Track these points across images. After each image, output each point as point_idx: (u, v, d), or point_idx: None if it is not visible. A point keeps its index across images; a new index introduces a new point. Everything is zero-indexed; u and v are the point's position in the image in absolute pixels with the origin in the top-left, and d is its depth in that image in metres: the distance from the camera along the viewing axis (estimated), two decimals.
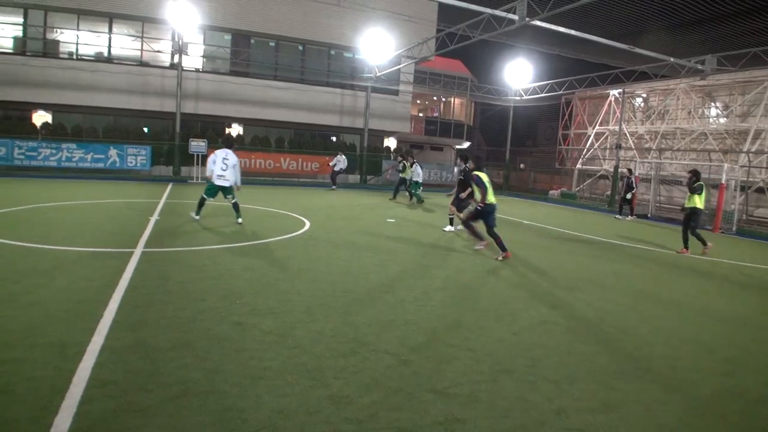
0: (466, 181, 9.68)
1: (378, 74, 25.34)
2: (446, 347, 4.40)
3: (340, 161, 22.07)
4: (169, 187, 17.61)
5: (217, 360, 3.80)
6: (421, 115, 39.29)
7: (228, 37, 24.83)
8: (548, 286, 6.98)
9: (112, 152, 20.33)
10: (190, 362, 3.73)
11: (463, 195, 10.20)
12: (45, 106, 22.36)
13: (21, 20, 22.02)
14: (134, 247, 7.43)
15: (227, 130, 25.09)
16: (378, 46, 22.99)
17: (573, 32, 17.08)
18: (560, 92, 26.29)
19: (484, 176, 8.60)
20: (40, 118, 22.30)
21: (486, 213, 8.55)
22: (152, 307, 4.84)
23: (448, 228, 11.34)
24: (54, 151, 19.58)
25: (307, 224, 10.86)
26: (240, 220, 10.14)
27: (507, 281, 7.10)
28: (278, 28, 24.71)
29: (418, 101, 38.22)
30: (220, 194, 10.04)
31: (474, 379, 3.82)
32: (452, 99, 38.21)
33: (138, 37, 23.40)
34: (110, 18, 22.79)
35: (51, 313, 4.59)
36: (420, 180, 17.61)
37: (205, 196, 10.00)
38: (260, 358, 3.88)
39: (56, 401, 3.10)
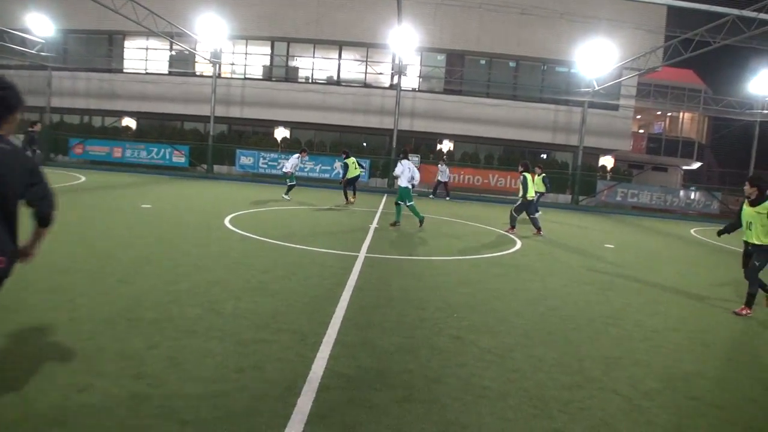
0: None
1: (596, 88, 23.77)
2: (686, 399, 3.77)
3: (443, 171, 21.23)
4: (384, 197, 18.86)
5: (439, 371, 3.82)
6: (642, 131, 35.79)
7: (442, 57, 25.80)
8: None
9: (337, 164, 22.65)
10: (413, 368, 3.81)
11: None
12: (285, 124, 25.93)
13: (269, 51, 25.98)
14: (358, 251, 8.04)
15: (438, 147, 26.01)
16: (597, 59, 21.56)
17: None
18: None
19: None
20: (280, 133, 25.91)
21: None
22: (377, 310, 5.13)
23: None
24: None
25: (518, 243, 10.55)
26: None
27: (765, 325, 5.92)
28: (491, 46, 24.87)
29: (639, 116, 34.86)
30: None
31: None
32: (680, 114, 34.01)
33: (363, 61, 25.73)
34: (340, 46, 25.53)
35: (292, 303, 5.15)
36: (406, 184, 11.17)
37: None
38: (481, 376, 3.78)
39: (299, 384, 3.42)
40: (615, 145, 26.35)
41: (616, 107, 25.63)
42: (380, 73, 25.78)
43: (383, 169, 24.14)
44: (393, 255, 8.09)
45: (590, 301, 6.36)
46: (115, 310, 4.59)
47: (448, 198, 21.35)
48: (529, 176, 11.60)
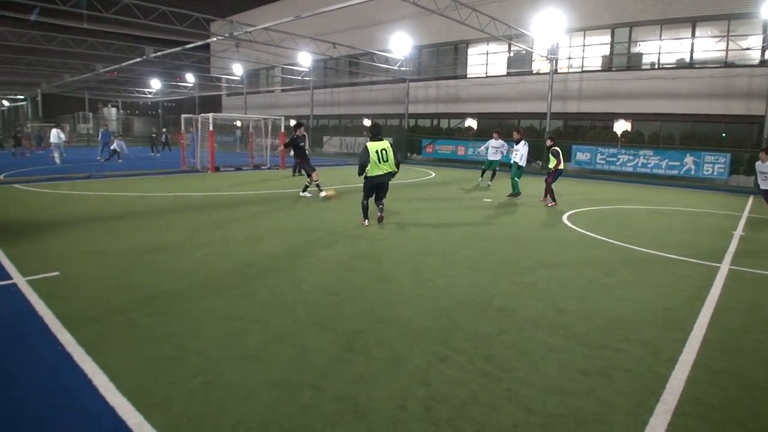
0: None
1: None
2: None
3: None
4: (750, 199, 15.60)
5: None
6: None
7: None
8: None
9: (688, 159, 19.87)
10: None
11: None
12: (625, 116, 24.08)
13: (608, 40, 24.44)
14: (719, 261, 6.91)
15: None
16: None
17: None
18: None
19: None
20: (620, 126, 24.21)
21: None
22: (747, 335, 4.34)
23: None
24: (631, 157, 20.98)
25: None
26: None
27: None
28: None
29: None
30: None
31: None
32: None
33: (722, 36, 21.73)
34: (693, 22, 22.13)
35: (641, 311, 4.81)
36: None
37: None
38: None
39: (650, 402, 3.19)
40: None
41: None
42: (747, 49, 21.30)
43: (748, 165, 19.92)
44: (767, 270, 6.65)
45: None
46: (467, 293, 5.15)
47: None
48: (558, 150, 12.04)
